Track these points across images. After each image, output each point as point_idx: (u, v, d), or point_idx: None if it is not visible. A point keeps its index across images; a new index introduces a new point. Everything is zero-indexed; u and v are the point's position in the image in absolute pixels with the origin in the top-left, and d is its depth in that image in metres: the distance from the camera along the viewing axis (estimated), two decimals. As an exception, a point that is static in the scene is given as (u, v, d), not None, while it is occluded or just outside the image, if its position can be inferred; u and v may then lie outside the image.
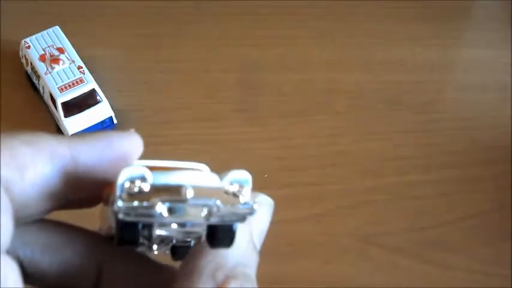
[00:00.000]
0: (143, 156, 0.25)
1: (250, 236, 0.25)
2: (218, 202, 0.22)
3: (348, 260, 0.61)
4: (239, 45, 0.74)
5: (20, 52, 0.69)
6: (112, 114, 0.66)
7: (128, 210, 0.22)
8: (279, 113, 0.69)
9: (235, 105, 0.70)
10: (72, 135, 0.25)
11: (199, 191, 0.22)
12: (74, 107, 0.65)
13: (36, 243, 0.25)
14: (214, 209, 0.23)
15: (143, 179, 0.22)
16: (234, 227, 0.23)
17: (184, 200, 0.22)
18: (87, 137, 0.24)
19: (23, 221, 0.24)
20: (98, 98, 0.65)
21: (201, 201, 0.22)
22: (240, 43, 0.74)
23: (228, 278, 0.23)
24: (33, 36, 0.68)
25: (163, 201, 0.22)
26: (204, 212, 0.23)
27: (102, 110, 0.65)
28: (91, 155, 0.24)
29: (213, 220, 0.23)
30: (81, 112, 0.65)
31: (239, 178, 0.23)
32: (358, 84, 0.72)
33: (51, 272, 0.25)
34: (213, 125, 0.68)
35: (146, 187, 0.22)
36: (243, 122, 0.69)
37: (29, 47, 0.68)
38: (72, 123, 0.64)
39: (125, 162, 0.24)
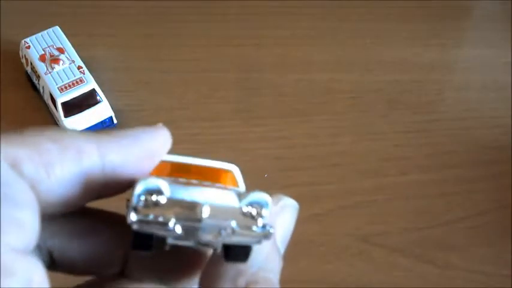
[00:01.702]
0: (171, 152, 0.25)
1: (273, 239, 0.24)
2: (233, 224, 0.22)
3: (347, 260, 0.61)
4: (239, 45, 0.74)
5: (20, 52, 0.69)
6: (112, 114, 0.66)
7: (142, 224, 0.22)
8: (279, 113, 0.69)
9: (235, 105, 0.70)
10: (97, 131, 0.24)
11: (216, 211, 0.22)
12: (74, 107, 0.65)
13: (63, 231, 0.25)
14: (229, 231, 0.22)
15: (159, 192, 0.22)
16: (251, 245, 0.23)
17: (199, 219, 0.22)
18: (115, 134, 0.24)
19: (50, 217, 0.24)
20: (98, 98, 0.65)
21: (215, 222, 0.22)
22: (240, 43, 0.74)
23: (249, 283, 0.23)
24: (33, 36, 0.68)
25: (177, 219, 0.22)
26: (218, 232, 0.22)
27: (102, 110, 0.65)
28: (119, 152, 0.24)
29: (227, 240, 0.22)
30: (81, 112, 0.65)
31: (259, 200, 0.23)
32: (358, 84, 0.72)
33: (80, 259, 0.25)
34: (213, 125, 0.68)
35: (162, 200, 0.22)
36: (243, 122, 0.69)
37: (29, 47, 0.68)
38: (72, 123, 0.64)
39: (152, 159, 0.24)
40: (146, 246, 0.23)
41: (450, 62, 0.76)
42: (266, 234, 0.22)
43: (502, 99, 0.72)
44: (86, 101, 0.65)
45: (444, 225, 0.63)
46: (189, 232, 0.22)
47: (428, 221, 0.63)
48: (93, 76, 0.66)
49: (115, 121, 0.66)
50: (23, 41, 0.68)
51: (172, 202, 0.22)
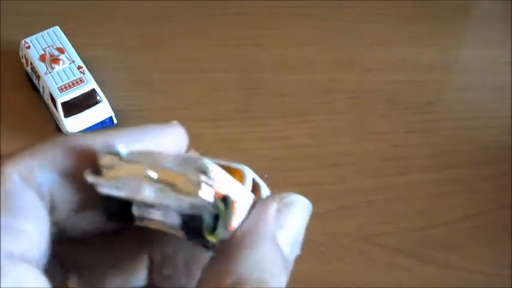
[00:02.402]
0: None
1: (272, 241, 0.23)
2: (162, 186, 0.22)
3: (348, 260, 0.61)
4: (239, 45, 0.74)
5: (20, 52, 0.69)
6: (112, 114, 0.66)
7: (100, 187, 0.23)
8: (279, 113, 0.69)
9: (235, 105, 0.70)
10: (108, 131, 0.24)
11: (159, 172, 0.22)
12: (74, 107, 0.65)
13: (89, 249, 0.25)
14: (164, 193, 0.22)
15: (117, 154, 0.23)
16: (202, 216, 0.22)
17: (145, 177, 0.22)
18: (124, 129, 0.24)
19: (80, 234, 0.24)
20: (98, 98, 0.65)
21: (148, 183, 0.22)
22: (240, 43, 0.74)
23: (236, 284, 0.21)
24: (33, 36, 0.68)
25: (125, 179, 0.22)
26: (157, 193, 0.22)
27: (102, 110, 0.65)
28: (128, 147, 0.23)
29: (168, 203, 0.22)
30: (81, 112, 0.65)
31: (200, 166, 0.22)
32: (358, 84, 0.72)
33: (104, 271, 0.25)
34: (213, 125, 0.68)
35: (117, 162, 0.23)
36: (243, 122, 0.69)
37: (29, 47, 0.68)
38: (72, 123, 0.64)
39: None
40: (115, 214, 0.23)
41: (450, 62, 0.76)
42: (203, 204, 0.22)
43: (502, 99, 0.72)
44: (86, 101, 0.65)
45: (444, 225, 0.63)
46: (136, 192, 0.22)
47: (428, 221, 0.63)
48: (93, 76, 0.66)
49: (115, 121, 0.66)
50: (23, 41, 0.68)
51: (125, 163, 0.23)
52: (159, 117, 0.68)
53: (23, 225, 0.21)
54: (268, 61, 0.73)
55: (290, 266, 0.24)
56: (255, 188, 0.26)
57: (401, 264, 0.61)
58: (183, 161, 0.22)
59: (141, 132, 0.24)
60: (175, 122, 0.25)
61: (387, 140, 0.68)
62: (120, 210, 0.23)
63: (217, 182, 0.22)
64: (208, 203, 0.22)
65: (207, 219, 0.22)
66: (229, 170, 0.25)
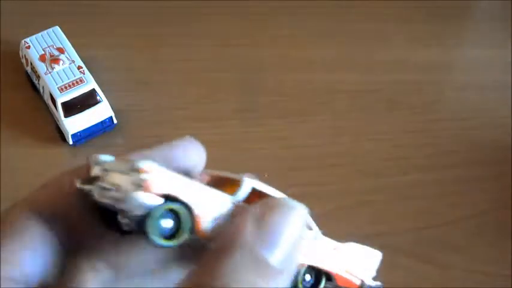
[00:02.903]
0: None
1: (247, 249, 0.22)
2: (104, 185, 0.23)
3: (348, 260, 0.61)
4: (239, 45, 0.74)
5: (20, 52, 0.69)
6: (112, 114, 0.66)
7: (87, 193, 0.24)
8: (279, 113, 0.69)
9: (235, 105, 0.70)
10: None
11: (111, 176, 0.23)
12: (74, 107, 0.65)
13: None
14: (111, 195, 0.23)
15: (103, 163, 0.24)
16: (147, 217, 0.22)
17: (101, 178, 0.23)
18: (144, 154, 0.25)
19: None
20: (98, 98, 0.65)
21: (104, 184, 0.23)
22: (240, 43, 0.74)
23: None
24: (33, 36, 0.68)
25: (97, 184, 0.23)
26: (108, 196, 0.23)
27: (102, 110, 0.65)
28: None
29: (116, 205, 0.23)
30: (81, 112, 0.65)
31: (136, 167, 0.22)
32: (358, 84, 0.72)
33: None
34: (213, 125, 0.68)
35: (99, 171, 0.24)
36: (243, 122, 0.69)
37: (29, 47, 0.68)
38: (72, 123, 0.64)
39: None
40: (107, 222, 0.24)
41: (450, 62, 0.76)
42: (129, 193, 0.22)
43: (502, 99, 0.72)
44: (86, 101, 0.65)
45: (444, 225, 0.63)
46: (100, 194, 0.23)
47: (428, 221, 0.63)
48: (93, 76, 0.66)
49: (115, 121, 0.66)
50: (23, 41, 0.68)
51: (106, 172, 0.24)
52: (159, 117, 0.68)
53: (22, 254, 0.23)
54: (268, 61, 0.73)
55: (280, 274, 0.22)
56: (260, 198, 0.26)
57: (401, 264, 0.61)
58: (128, 163, 0.23)
59: (158, 151, 0.25)
60: (188, 136, 0.25)
61: (387, 140, 0.68)
62: (110, 219, 0.24)
63: (158, 184, 0.22)
64: (144, 203, 0.22)
65: (158, 222, 0.22)
66: (227, 180, 0.25)
